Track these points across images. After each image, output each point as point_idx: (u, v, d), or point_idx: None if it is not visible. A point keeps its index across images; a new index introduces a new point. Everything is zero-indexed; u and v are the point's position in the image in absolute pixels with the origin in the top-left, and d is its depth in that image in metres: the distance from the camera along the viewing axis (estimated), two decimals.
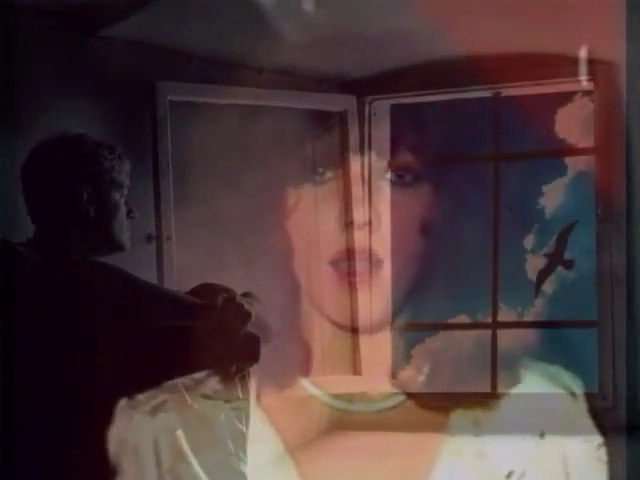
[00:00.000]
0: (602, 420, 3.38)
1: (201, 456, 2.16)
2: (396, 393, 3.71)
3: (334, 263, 3.68)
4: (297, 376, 3.53)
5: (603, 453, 2.71)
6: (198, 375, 2.14)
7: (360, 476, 3.20)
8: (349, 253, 3.71)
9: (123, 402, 2.02)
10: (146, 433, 2.07)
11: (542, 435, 2.71)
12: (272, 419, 3.05)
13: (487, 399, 3.55)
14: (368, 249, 3.71)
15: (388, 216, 3.84)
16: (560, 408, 3.08)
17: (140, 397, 2.05)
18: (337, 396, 3.66)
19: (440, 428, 3.10)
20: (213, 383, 2.16)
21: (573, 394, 2.97)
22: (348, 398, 3.69)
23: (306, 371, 3.57)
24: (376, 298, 3.76)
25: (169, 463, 2.09)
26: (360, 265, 3.71)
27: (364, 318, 3.77)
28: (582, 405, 2.95)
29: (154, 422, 2.07)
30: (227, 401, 2.20)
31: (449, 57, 3.50)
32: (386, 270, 3.79)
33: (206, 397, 2.17)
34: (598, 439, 2.75)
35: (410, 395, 3.73)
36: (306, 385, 3.52)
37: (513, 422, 2.99)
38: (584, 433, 2.84)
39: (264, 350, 2.24)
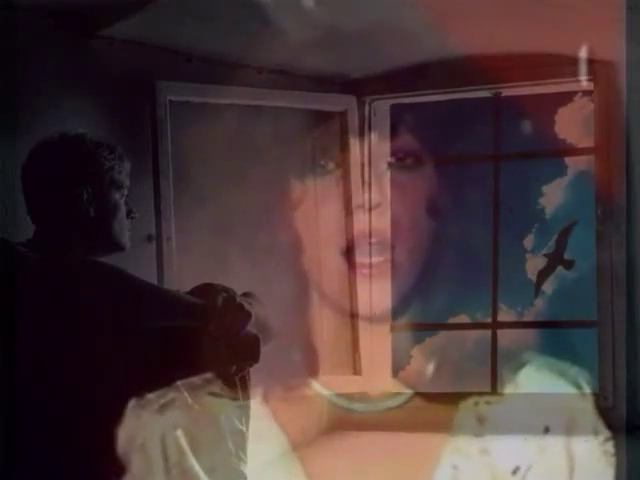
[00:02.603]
0: (602, 420, 3.38)
1: (201, 456, 2.16)
2: (396, 393, 3.71)
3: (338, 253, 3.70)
4: (298, 376, 3.53)
5: (610, 446, 2.71)
6: (207, 375, 2.14)
7: (360, 476, 3.20)
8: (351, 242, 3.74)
9: (133, 402, 2.02)
10: (154, 430, 2.07)
11: (547, 430, 2.71)
12: (272, 419, 3.05)
13: (487, 399, 3.56)
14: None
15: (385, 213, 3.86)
16: (564, 403, 3.08)
17: (150, 396, 2.05)
18: (338, 395, 3.66)
19: (441, 427, 3.10)
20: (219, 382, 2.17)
21: (580, 389, 2.97)
22: (348, 397, 3.69)
23: (309, 370, 3.57)
24: (379, 286, 3.78)
25: (176, 458, 2.09)
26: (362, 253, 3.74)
27: (367, 307, 3.78)
28: (587, 399, 2.95)
29: (162, 419, 2.07)
30: (234, 399, 2.20)
31: (449, 57, 3.50)
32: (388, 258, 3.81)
33: (213, 395, 2.17)
34: (605, 433, 2.75)
35: (410, 395, 3.73)
36: (308, 384, 3.52)
37: (517, 419, 2.98)
38: (589, 427, 2.84)
39: (264, 350, 2.24)
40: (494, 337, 3.78)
